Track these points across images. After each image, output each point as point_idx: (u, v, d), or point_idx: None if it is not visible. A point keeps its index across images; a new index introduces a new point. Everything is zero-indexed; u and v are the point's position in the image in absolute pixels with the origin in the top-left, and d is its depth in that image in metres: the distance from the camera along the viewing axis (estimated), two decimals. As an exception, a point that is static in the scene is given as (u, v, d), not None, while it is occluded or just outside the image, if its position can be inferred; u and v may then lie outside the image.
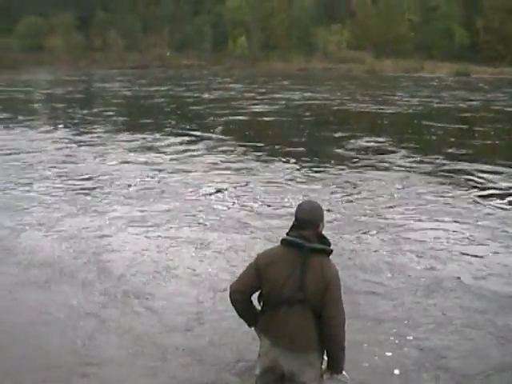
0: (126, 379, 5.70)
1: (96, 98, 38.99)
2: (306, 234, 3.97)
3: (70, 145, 19.37)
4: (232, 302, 4.17)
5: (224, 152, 18.33)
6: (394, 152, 18.43)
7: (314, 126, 25.04)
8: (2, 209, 11.46)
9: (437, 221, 10.90)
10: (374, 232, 10.16)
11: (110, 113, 29.01)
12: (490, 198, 12.69)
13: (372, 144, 20.09)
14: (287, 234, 4.07)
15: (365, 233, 10.12)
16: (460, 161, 17.04)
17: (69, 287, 7.69)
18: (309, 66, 77.45)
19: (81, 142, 19.85)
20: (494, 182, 14.28)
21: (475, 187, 13.72)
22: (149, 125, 24.39)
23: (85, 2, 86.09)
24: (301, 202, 4.29)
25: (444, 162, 16.90)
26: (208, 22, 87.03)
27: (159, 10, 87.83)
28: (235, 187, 13.53)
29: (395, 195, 12.84)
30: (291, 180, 14.32)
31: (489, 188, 13.70)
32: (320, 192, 12.90)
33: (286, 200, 12.20)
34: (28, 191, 13.05)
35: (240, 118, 27.24)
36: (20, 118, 26.85)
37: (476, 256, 9.04)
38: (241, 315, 4.25)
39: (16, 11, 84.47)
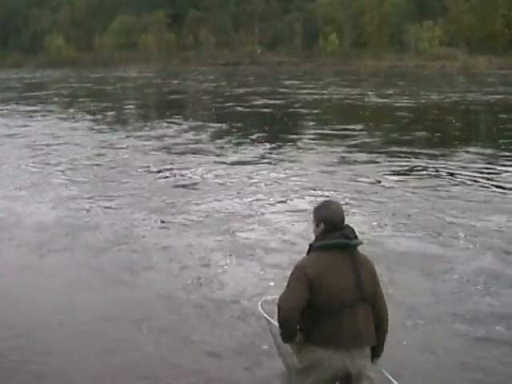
0: None
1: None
2: (347, 233, 4.03)
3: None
4: (285, 321, 4.03)
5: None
6: None
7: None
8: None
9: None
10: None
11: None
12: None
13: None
14: (322, 239, 4.08)
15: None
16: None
17: None
18: (400, 63, 77.12)
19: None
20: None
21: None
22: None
23: (177, 0, 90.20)
24: (321, 203, 4.32)
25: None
26: (299, 19, 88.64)
27: (250, 8, 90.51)
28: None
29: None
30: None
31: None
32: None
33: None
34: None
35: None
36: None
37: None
38: (291, 334, 4.11)
39: (109, 10, 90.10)
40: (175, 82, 52.33)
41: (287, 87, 42.36)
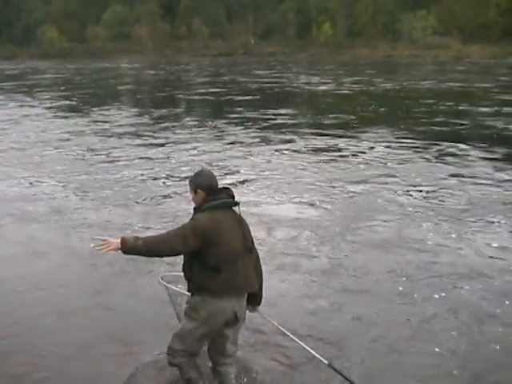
0: None
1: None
2: (230, 193, 4.63)
3: None
4: (165, 243, 4.43)
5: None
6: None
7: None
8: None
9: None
10: None
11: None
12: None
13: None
14: (208, 201, 4.56)
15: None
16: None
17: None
18: (394, 52, 77.72)
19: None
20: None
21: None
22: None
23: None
24: (195, 173, 4.77)
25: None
26: (292, 8, 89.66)
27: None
28: None
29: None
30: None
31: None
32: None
33: None
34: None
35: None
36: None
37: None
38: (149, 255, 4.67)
39: (102, 1, 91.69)
40: (151, 72, 53.86)
41: (249, 76, 43.97)
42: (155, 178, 13.19)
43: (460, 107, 25.01)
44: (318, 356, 4.88)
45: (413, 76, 41.73)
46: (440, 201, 10.99)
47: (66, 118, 24.49)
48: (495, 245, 8.60)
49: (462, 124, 20.58)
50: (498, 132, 18.89)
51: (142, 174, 13.55)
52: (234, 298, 4.52)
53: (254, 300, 4.84)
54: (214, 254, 4.40)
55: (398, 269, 7.70)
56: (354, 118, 22.70)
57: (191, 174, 4.79)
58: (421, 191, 11.75)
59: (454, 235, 9.01)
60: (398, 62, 63.33)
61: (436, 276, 7.47)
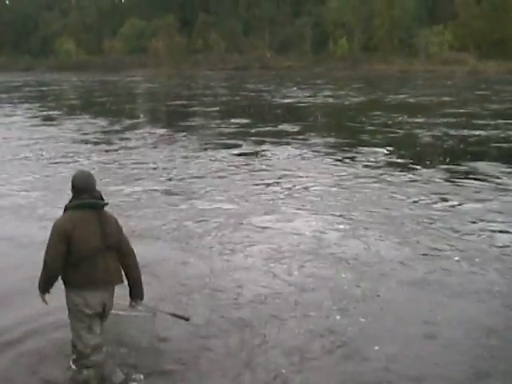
0: None
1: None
2: (95, 195, 5.06)
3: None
4: (49, 271, 4.98)
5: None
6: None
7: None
8: None
9: None
10: None
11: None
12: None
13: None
14: (75, 200, 5.05)
15: None
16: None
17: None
18: (410, 67, 78.67)
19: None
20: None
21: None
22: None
23: (187, 4, 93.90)
24: (75, 172, 5.28)
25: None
26: (309, 23, 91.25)
27: (260, 12, 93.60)
28: None
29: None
30: None
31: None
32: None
33: None
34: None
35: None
36: None
37: None
38: (52, 282, 5.06)
39: (120, 14, 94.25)
40: (151, 85, 56.18)
41: (234, 90, 45.95)
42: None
43: (399, 118, 26.34)
44: (179, 315, 5.75)
45: (399, 90, 43.01)
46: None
47: (40, 125, 26.25)
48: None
49: (391, 132, 22.38)
50: (415, 140, 20.76)
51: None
52: (99, 291, 5.01)
53: (136, 294, 5.31)
54: (73, 250, 4.88)
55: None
56: (294, 127, 24.18)
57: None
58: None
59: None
60: (404, 76, 64.33)
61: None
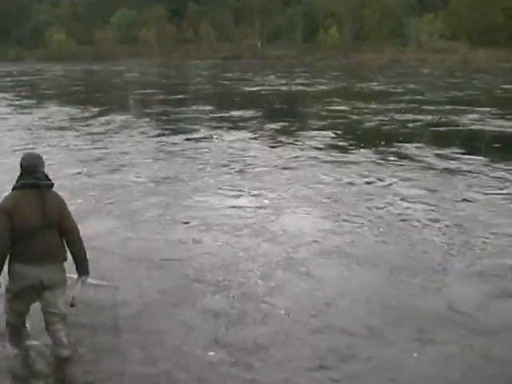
0: None
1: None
2: (38, 176, 5.30)
3: None
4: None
5: None
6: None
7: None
8: None
9: None
10: None
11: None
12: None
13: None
14: (18, 181, 5.33)
15: None
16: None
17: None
18: (401, 56, 78.95)
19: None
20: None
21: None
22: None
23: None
24: (23, 155, 5.57)
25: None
26: (299, 12, 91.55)
27: (250, 1, 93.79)
28: None
29: None
30: None
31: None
32: None
33: None
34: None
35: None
36: None
37: None
38: (1, 260, 5.25)
39: (110, 4, 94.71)
40: (129, 75, 56.87)
41: (210, 79, 46.74)
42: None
43: (355, 105, 27.06)
44: (107, 283, 6.26)
45: (373, 79, 43.65)
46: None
47: (11, 113, 26.99)
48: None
49: (343, 117, 23.43)
50: (361, 125, 21.73)
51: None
52: (37, 266, 5.24)
53: (80, 270, 5.50)
54: (15, 227, 5.16)
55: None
56: (251, 113, 24.98)
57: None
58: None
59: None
60: (390, 66, 64.91)
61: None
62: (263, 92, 34.35)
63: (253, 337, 5.88)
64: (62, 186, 10.77)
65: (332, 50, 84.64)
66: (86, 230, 6.80)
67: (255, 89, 36.41)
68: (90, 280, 5.62)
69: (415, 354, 5.57)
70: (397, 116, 23.08)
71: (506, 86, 35.73)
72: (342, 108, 26.08)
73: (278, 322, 6.23)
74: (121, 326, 6.03)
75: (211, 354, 5.55)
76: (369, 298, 6.81)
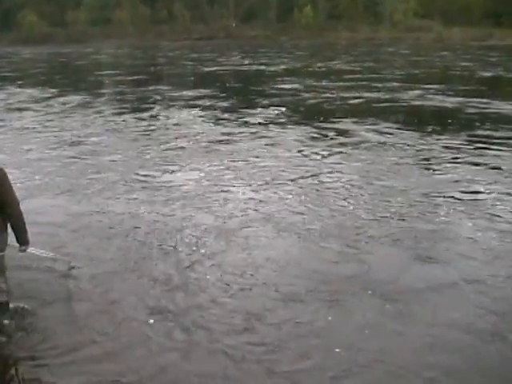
0: None
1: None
2: None
3: None
4: None
5: None
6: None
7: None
8: None
9: None
10: None
11: None
12: None
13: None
14: None
15: None
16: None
17: None
18: (375, 35, 79.24)
19: None
20: None
21: None
22: None
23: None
24: None
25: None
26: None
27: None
28: None
29: None
30: None
31: None
32: None
33: None
34: None
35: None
36: None
37: None
38: None
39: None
40: (95, 57, 56.92)
41: (175, 59, 47.09)
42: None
43: (307, 83, 27.51)
44: (61, 257, 6.78)
45: (335, 58, 43.97)
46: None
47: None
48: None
49: (291, 95, 23.88)
50: (306, 102, 22.19)
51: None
52: None
53: (20, 241, 5.80)
54: None
55: None
56: (202, 92, 25.39)
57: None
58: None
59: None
60: (360, 44, 65.19)
61: None
62: (220, 72, 34.58)
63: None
64: (12, 162, 12.25)
65: (306, 29, 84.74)
66: (35, 204, 7.42)
67: (214, 69, 36.65)
68: (36, 251, 6.17)
69: (330, 318, 6.01)
70: (343, 93, 23.45)
71: (464, 64, 36.08)
72: (293, 86, 26.41)
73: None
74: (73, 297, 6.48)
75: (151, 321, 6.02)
76: (289, 263, 7.31)
